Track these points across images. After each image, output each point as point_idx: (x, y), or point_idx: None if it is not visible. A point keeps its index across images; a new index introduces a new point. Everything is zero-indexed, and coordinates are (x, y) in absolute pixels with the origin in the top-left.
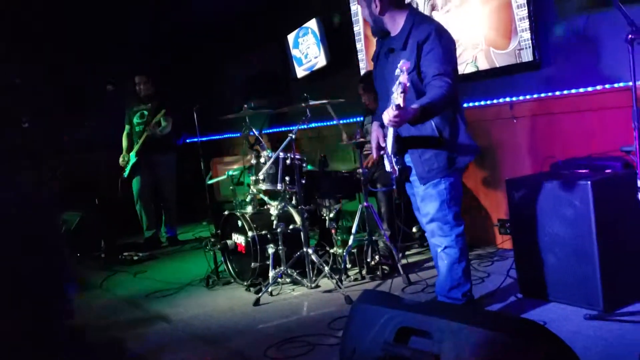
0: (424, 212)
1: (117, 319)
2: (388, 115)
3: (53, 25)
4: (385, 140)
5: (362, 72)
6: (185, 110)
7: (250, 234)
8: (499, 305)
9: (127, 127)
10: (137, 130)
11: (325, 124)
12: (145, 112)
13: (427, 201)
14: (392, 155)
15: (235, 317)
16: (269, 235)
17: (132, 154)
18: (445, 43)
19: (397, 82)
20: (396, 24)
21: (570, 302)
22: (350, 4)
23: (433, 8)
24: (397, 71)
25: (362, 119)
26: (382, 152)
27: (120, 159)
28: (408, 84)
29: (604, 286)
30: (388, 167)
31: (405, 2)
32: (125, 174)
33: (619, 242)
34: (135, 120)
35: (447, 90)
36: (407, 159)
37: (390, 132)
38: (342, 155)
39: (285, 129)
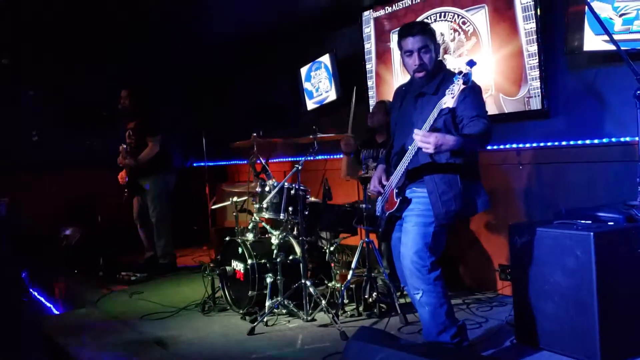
0: (404, 249)
1: (109, 339)
2: (421, 136)
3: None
4: (386, 180)
5: (372, 109)
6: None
7: (249, 261)
8: (493, 350)
9: None
10: (128, 150)
11: (330, 156)
12: (131, 133)
13: (411, 237)
14: (395, 188)
15: (228, 345)
16: (268, 265)
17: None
18: (478, 91)
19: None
20: None
21: (567, 353)
22: (365, 42)
23: (445, 51)
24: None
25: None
26: (381, 189)
27: (120, 178)
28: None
29: (602, 339)
30: (379, 210)
31: None
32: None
33: (620, 295)
34: (127, 139)
35: (485, 129)
36: (412, 194)
37: (402, 166)
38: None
39: (292, 159)
